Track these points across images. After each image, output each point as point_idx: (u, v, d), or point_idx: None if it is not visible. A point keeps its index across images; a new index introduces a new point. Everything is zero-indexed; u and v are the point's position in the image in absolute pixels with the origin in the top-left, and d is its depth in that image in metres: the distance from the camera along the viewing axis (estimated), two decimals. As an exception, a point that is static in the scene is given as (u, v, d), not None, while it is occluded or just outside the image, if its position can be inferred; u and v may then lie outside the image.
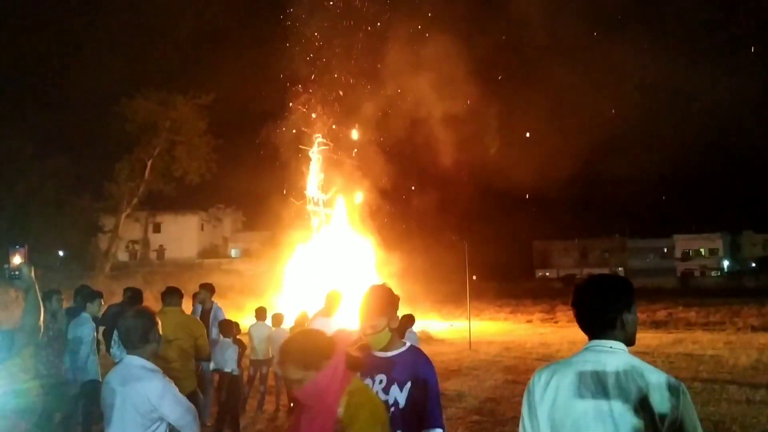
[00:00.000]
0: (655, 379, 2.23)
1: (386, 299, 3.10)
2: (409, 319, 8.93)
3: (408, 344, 3.12)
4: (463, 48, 30.78)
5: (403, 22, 30.37)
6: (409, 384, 3.00)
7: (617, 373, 2.25)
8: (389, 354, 3.09)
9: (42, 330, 3.33)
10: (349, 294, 8.78)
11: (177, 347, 5.95)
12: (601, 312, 2.38)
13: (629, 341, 2.38)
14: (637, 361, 2.31)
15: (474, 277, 18.74)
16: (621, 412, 2.18)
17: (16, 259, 3.24)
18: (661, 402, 2.18)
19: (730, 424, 8.30)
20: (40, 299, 3.30)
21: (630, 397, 2.19)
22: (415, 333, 9.15)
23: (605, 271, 72.87)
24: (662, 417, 2.16)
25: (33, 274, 3.27)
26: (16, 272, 3.23)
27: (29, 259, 3.29)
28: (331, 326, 7.38)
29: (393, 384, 3.02)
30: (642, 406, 2.18)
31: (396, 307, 3.13)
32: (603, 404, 2.21)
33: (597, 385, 2.25)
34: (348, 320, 8.57)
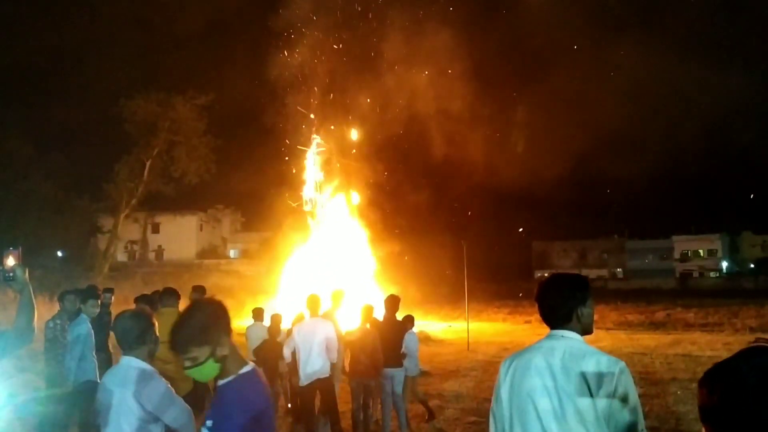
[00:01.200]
0: (596, 359, 2.49)
1: (205, 323, 2.44)
2: (409, 320, 8.93)
3: (243, 371, 2.46)
4: (465, 46, 30.85)
5: (404, 21, 30.38)
6: (210, 423, 2.40)
7: (563, 355, 2.53)
8: (219, 383, 2.47)
9: (35, 330, 3.33)
10: (349, 295, 8.80)
11: (174, 348, 5.93)
12: (558, 307, 2.69)
13: (585, 331, 2.68)
14: (584, 346, 2.58)
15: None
16: (564, 388, 2.47)
17: (10, 261, 3.24)
18: (598, 379, 2.43)
19: (728, 426, 8.29)
20: (34, 300, 3.30)
21: (571, 375, 2.47)
22: (415, 334, 9.16)
23: (604, 272, 73.12)
24: (598, 392, 2.42)
25: (27, 275, 3.26)
26: (10, 274, 3.22)
27: (24, 261, 3.28)
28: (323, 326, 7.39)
29: (205, 422, 2.43)
30: (582, 382, 2.45)
31: (224, 328, 2.45)
32: (548, 381, 2.51)
33: (545, 365, 2.54)
34: (346, 319, 8.59)
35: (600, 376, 2.44)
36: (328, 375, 7.28)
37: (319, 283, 17.91)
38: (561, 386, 2.49)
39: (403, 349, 8.41)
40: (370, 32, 30.92)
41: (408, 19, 30.57)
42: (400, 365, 8.06)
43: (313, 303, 7.49)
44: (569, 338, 2.61)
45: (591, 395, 2.43)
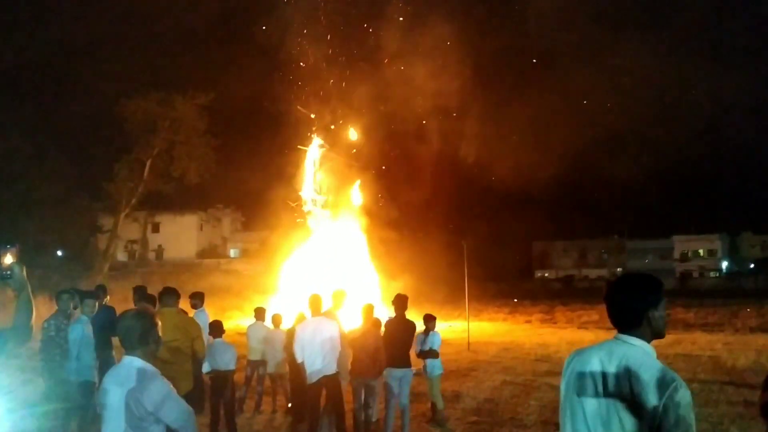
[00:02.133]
0: (651, 372, 2.43)
1: None
2: (431, 320, 8.92)
3: None
4: (465, 45, 30.77)
5: (404, 19, 30.35)
6: None
7: (620, 362, 2.50)
8: None
9: (33, 330, 3.31)
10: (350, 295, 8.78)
11: (174, 348, 5.94)
12: (628, 310, 2.60)
13: (657, 335, 2.61)
14: (644, 356, 2.51)
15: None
16: (613, 395, 2.47)
17: (7, 259, 3.21)
18: (647, 392, 2.39)
19: (728, 426, 8.30)
20: (32, 299, 3.28)
21: (622, 383, 2.45)
22: (438, 334, 9.11)
23: (604, 272, 73.08)
24: (645, 405, 2.38)
25: (25, 273, 3.24)
26: (8, 272, 3.20)
27: (23, 260, 3.26)
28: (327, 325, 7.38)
29: None
30: (630, 392, 2.42)
31: None
32: (600, 385, 2.52)
33: (600, 369, 2.53)
34: (347, 319, 8.57)
35: (648, 390, 2.40)
36: (334, 372, 7.27)
37: (319, 283, 17.89)
38: (610, 392, 2.48)
39: (432, 346, 8.53)
40: (371, 30, 30.93)
41: (408, 17, 30.55)
42: (409, 365, 8.04)
43: (315, 302, 7.48)
44: (632, 345, 2.55)
45: (636, 407, 2.41)
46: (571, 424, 2.59)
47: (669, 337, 18.43)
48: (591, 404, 2.52)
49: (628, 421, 2.41)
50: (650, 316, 2.56)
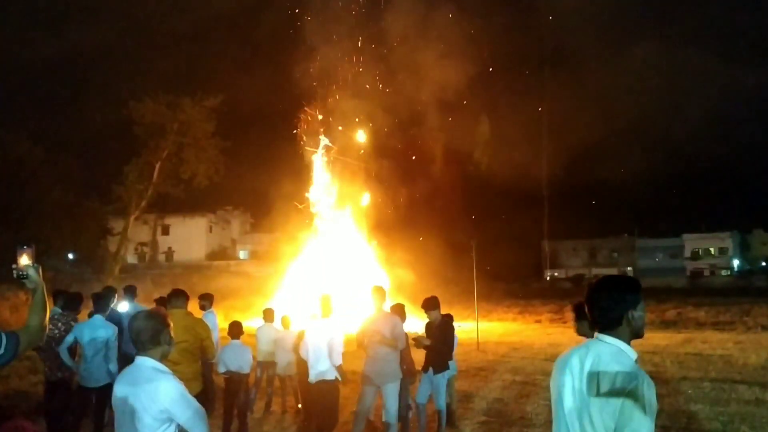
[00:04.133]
0: (618, 368, 2.54)
1: None
2: (449, 318, 8.80)
3: None
4: (476, 44, 30.77)
5: (413, 19, 30.36)
6: None
7: (594, 358, 2.61)
8: None
9: (46, 330, 3.33)
10: (352, 295, 8.73)
11: (183, 349, 5.95)
12: (608, 310, 2.67)
13: (636, 335, 2.69)
14: (616, 353, 2.60)
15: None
16: (584, 390, 2.58)
17: (24, 260, 3.22)
18: (611, 387, 2.50)
19: (739, 425, 8.25)
20: (46, 299, 3.31)
21: (592, 378, 2.57)
22: (456, 336, 8.72)
23: (614, 270, 72.74)
24: (607, 399, 2.49)
25: (40, 274, 3.26)
26: (24, 272, 3.21)
27: (37, 259, 3.27)
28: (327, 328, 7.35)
29: None
30: (595, 386, 2.54)
31: None
32: (577, 382, 2.62)
33: (579, 367, 2.63)
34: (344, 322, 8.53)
35: (613, 387, 2.50)
36: (333, 378, 7.20)
37: (327, 284, 17.92)
38: (583, 388, 2.59)
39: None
40: (378, 31, 30.96)
41: (418, 16, 30.58)
42: (447, 367, 8.01)
43: (325, 303, 7.45)
44: (608, 344, 2.65)
45: (602, 404, 2.50)
46: (556, 420, 2.71)
47: (680, 336, 18.42)
48: (568, 401, 2.63)
49: (597, 417, 2.50)
50: (630, 317, 2.65)
